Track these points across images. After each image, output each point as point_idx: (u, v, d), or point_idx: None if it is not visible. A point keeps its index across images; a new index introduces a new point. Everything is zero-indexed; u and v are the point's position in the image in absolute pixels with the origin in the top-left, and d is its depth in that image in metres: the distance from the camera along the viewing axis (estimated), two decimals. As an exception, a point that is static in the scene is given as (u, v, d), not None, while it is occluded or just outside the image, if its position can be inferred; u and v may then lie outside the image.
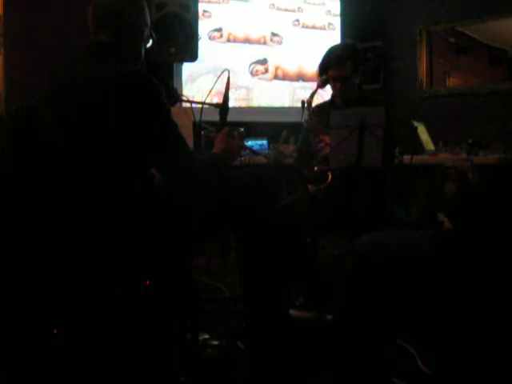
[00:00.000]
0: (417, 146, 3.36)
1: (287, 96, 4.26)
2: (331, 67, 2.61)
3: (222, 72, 2.09)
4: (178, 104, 2.56)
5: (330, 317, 2.29)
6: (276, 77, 4.24)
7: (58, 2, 3.54)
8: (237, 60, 4.11)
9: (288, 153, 3.55)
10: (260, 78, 4.19)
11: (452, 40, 4.25)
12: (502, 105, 3.85)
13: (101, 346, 1.68)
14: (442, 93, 4.26)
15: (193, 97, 3.88)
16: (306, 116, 2.57)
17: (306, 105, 2.54)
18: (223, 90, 2.08)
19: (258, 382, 1.90)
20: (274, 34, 4.23)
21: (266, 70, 4.21)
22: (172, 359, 1.88)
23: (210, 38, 4.05)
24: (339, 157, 2.34)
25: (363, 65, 2.75)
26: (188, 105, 2.34)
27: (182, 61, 3.68)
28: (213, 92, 2.20)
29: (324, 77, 2.60)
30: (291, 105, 4.24)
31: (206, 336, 2.22)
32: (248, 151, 3.10)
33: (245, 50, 4.15)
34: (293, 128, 3.52)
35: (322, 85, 2.61)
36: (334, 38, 4.28)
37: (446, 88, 4.29)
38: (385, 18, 4.43)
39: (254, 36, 4.18)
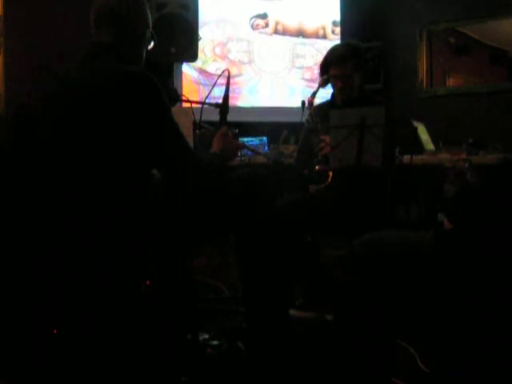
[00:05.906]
0: (417, 146, 3.36)
1: (287, 51, 4.27)
2: (332, 66, 2.60)
3: (223, 72, 2.09)
4: (177, 104, 2.56)
5: (329, 317, 2.29)
6: (276, 32, 4.26)
7: (58, 2, 3.54)
8: (238, 13, 4.15)
9: (288, 153, 3.55)
10: (260, 32, 4.22)
11: (452, 40, 4.26)
12: (502, 105, 3.85)
13: (101, 346, 1.67)
14: (442, 93, 4.26)
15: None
16: (306, 116, 2.57)
17: (306, 104, 2.55)
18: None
19: (258, 381, 1.91)
20: (274, -11, 4.22)
21: (267, 25, 4.23)
22: (172, 359, 1.88)
23: None
24: (339, 157, 2.34)
25: (365, 65, 2.74)
26: (188, 105, 2.34)
27: (182, 61, 3.68)
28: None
29: (325, 76, 2.60)
30: (291, 60, 4.26)
31: (206, 336, 2.22)
32: (248, 151, 3.11)
33: (245, 4, 4.17)
34: (293, 128, 3.52)
35: (323, 84, 2.60)
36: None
37: (445, 88, 4.29)
38: (385, 18, 4.43)
39: (255, -10, 4.19)
